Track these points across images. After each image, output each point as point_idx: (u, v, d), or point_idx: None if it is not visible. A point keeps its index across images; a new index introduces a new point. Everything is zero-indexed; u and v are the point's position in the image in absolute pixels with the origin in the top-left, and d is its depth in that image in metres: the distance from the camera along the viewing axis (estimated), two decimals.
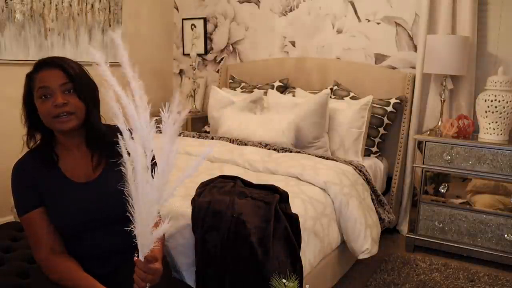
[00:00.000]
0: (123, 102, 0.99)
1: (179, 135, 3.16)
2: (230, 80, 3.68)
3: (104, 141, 1.33)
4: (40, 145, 1.35)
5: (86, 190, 1.32)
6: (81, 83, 1.29)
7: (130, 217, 1.03)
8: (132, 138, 1.00)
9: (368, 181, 2.48)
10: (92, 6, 3.34)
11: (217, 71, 3.95)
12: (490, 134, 2.54)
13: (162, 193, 1.00)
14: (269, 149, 2.61)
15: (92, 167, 1.34)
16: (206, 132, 3.52)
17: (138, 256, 1.08)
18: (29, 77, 1.30)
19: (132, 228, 1.03)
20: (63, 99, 1.25)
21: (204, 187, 1.86)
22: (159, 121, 0.99)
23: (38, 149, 1.34)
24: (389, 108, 2.92)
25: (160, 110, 0.96)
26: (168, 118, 0.96)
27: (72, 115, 1.27)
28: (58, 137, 1.34)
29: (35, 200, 1.30)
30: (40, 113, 1.27)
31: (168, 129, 0.96)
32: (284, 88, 3.39)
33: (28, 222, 1.31)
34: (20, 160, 1.34)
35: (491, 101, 2.51)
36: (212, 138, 2.88)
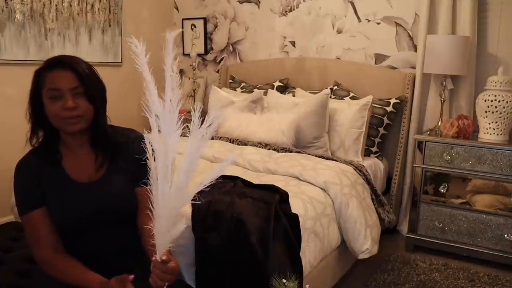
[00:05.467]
0: (153, 99, 0.98)
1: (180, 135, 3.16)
2: (230, 80, 3.68)
3: (108, 142, 1.33)
4: (43, 143, 1.34)
5: (89, 190, 1.32)
6: (91, 85, 1.27)
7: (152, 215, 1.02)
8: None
9: (368, 181, 2.48)
10: (92, 6, 3.34)
11: (217, 71, 3.95)
12: (490, 134, 2.54)
13: (182, 195, 1.00)
14: (269, 149, 2.61)
15: (95, 168, 1.34)
16: None
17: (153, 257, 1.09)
18: (38, 74, 1.28)
19: (152, 226, 1.03)
20: (74, 103, 1.24)
21: None
22: (187, 121, 0.99)
23: (41, 148, 1.34)
24: (389, 108, 2.92)
25: (192, 111, 0.96)
26: (200, 124, 0.96)
27: (81, 117, 1.26)
28: (62, 136, 1.33)
29: (37, 200, 1.30)
30: (49, 113, 1.26)
31: (197, 133, 0.96)
32: (284, 88, 3.39)
33: (29, 222, 1.30)
34: (23, 159, 1.33)
35: (491, 101, 2.51)
36: (212, 138, 2.87)
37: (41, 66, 1.28)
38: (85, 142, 1.35)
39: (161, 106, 0.99)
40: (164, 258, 1.07)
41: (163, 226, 1.01)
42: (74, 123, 1.26)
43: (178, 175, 0.99)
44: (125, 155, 1.34)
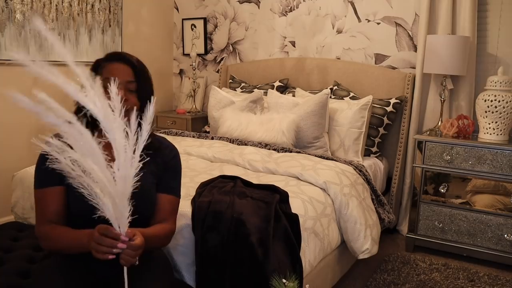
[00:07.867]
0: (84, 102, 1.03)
1: (179, 135, 3.15)
2: (230, 80, 3.68)
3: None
4: None
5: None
6: (144, 83, 1.34)
7: (97, 206, 1.06)
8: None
9: (368, 181, 2.48)
10: (92, 6, 3.34)
11: (217, 71, 3.96)
12: (490, 134, 2.54)
13: (126, 183, 1.05)
14: (269, 149, 2.61)
15: None
16: (206, 132, 3.52)
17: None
18: (98, 63, 1.34)
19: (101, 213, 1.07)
20: (125, 96, 1.27)
21: (204, 187, 1.86)
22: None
23: None
24: (389, 108, 2.92)
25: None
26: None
27: (128, 112, 1.25)
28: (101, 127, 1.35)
29: (55, 180, 1.30)
30: None
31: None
32: (284, 88, 3.39)
33: (40, 196, 1.32)
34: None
35: (491, 101, 2.51)
36: (212, 138, 2.88)
37: (103, 56, 1.36)
38: None
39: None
40: (130, 235, 1.11)
41: (118, 210, 1.06)
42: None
43: (119, 167, 1.05)
44: (156, 159, 1.38)
